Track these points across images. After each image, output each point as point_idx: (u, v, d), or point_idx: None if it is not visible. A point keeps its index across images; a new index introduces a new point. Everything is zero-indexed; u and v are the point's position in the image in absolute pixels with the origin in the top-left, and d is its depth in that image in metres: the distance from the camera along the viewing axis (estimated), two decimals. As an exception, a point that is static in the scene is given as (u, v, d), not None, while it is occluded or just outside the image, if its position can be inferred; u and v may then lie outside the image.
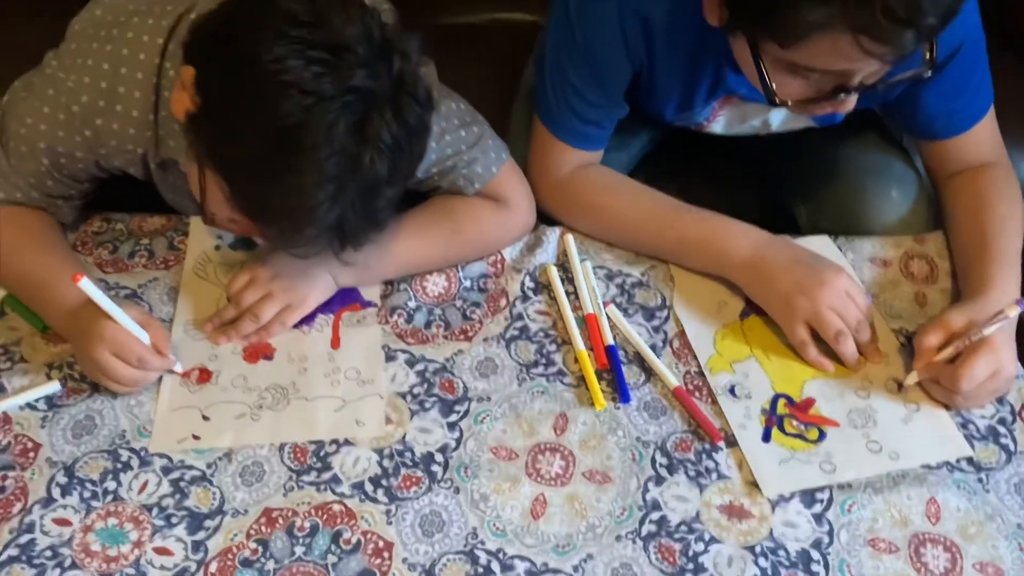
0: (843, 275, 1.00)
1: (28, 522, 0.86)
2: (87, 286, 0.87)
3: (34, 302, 0.99)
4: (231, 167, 0.85)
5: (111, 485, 0.89)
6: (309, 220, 0.84)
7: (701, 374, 1.01)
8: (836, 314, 0.98)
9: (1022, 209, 1.07)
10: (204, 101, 0.85)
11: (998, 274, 1.00)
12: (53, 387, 0.95)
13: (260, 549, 0.85)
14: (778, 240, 1.06)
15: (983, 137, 1.10)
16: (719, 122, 1.16)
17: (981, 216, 1.06)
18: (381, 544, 0.86)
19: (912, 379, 0.97)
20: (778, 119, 1.14)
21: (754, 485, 0.92)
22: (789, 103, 0.90)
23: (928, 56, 0.88)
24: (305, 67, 0.79)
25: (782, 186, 1.27)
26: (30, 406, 0.94)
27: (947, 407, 0.97)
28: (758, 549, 0.87)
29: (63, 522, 0.86)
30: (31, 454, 0.91)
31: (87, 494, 0.88)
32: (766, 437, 0.95)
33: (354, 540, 0.86)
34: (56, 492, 0.88)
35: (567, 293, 1.07)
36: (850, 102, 0.91)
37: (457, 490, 0.90)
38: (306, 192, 0.82)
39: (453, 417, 0.96)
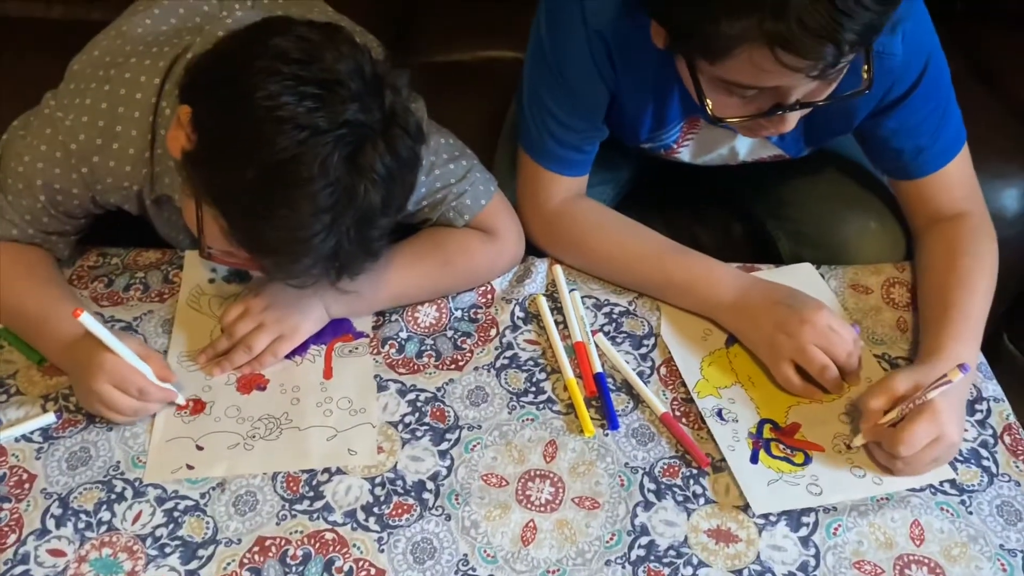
0: (823, 311, 1.00)
1: (23, 553, 0.87)
2: (88, 320, 0.89)
3: (31, 336, 1.01)
4: (228, 202, 0.87)
5: (105, 515, 0.90)
6: (306, 250, 0.86)
7: (688, 400, 1.02)
8: (820, 349, 0.99)
9: (992, 264, 1.06)
10: (200, 138, 0.87)
11: (952, 339, 0.98)
12: (48, 419, 0.97)
13: (253, 577, 0.86)
14: (760, 282, 1.07)
15: (955, 180, 1.09)
16: (687, 148, 1.18)
17: (947, 278, 1.04)
18: (373, 572, 0.87)
19: (859, 441, 0.97)
20: (745, 148, 1.17)
21: (741, 509, 0.93)
22: (726, 121, 0.91)
23: (866, 75, 0.89)
24: (298, 103, 0.82)
25: (763, 218, 1.30)
26: (25, 438, 0.96)
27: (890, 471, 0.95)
28: (746, 573, 0.89)
29: (57, 553, 0.87)
30: (26, 485, 0.92)
31: (81, 524, 0.89)
32: (754, 459, 0.97)
33: (346, 568, 0.87)
34: (51, 523, 0.89)
35: (556, 323, 1.09)
36: (790, 120, 0.91)
37: (448, 517, 0.91)
38: (302, 223, 0.84)
39: (444, 445, 0.97)
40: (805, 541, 0.91)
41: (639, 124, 1.11)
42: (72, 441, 0.95)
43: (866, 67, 0.89)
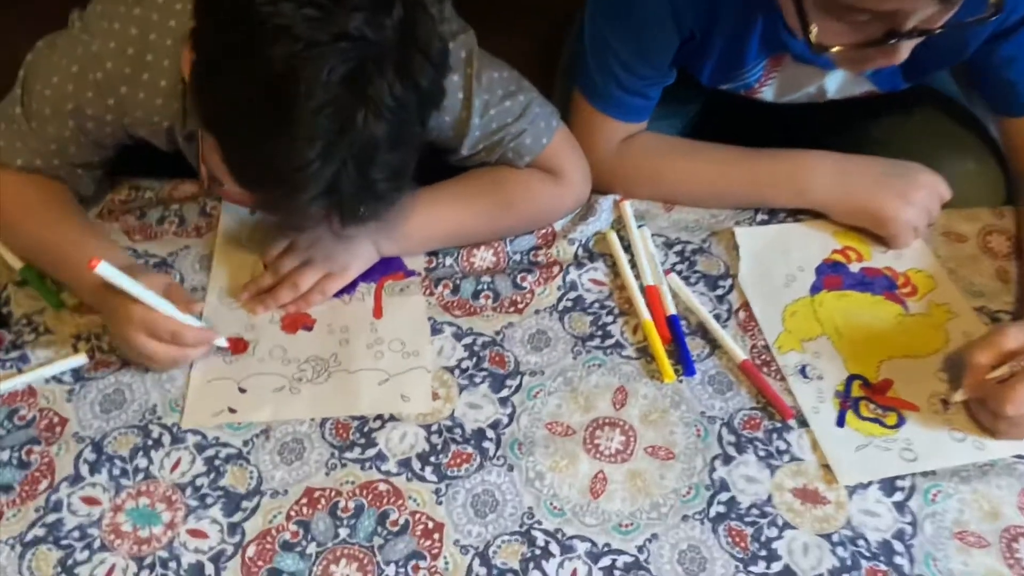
0: (932, 174, 1.00)
1: (55, 500, 0.81)
2: (106, 271, 0.80)
3: (59, 275, 0.94)
4: (222, 126, 0.79)
5: (142, 462, 0.83)
6: (300, 183, 0.75)
7: (769, 348, 0.94)
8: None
9: None
10: (199, 56, 0.79)
11: None
12: (80, 360, 0.90)
13: (301, 531, 0.80)
14: (856, 159, 1.02)
15: None
16: (770, 87, 1.09)
17: None
18: (431, 525, 0.80)
19: (959, 396, 0.88)
20: (835, 85, 1.07)
21: (829, 469, 0.85)
22: (829, 51, 0.82)
23: None
24: (297, 11, 0.72)
25: None
26: (56, 379, 0.89)
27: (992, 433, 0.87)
28: (835, 538, 0.81)
29: (92, 501, 0.81)
30: (57, 429, 0.86)
31: (116, 471, 0.83)
32: (840, 422, 0.88)
33: (401, 521, 0.80)
34: (84, 469, 0.83)
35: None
36: (903, 50, 0.82)
37: (511, 468, 0.84)
38: (295, 150, 0.74)
39: (505, 392, 0.90)
40: (900, 507, 0.83)
41: (718, 65, 1.02)
42: (105, 383, 0.89)
43: None
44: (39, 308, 0.95)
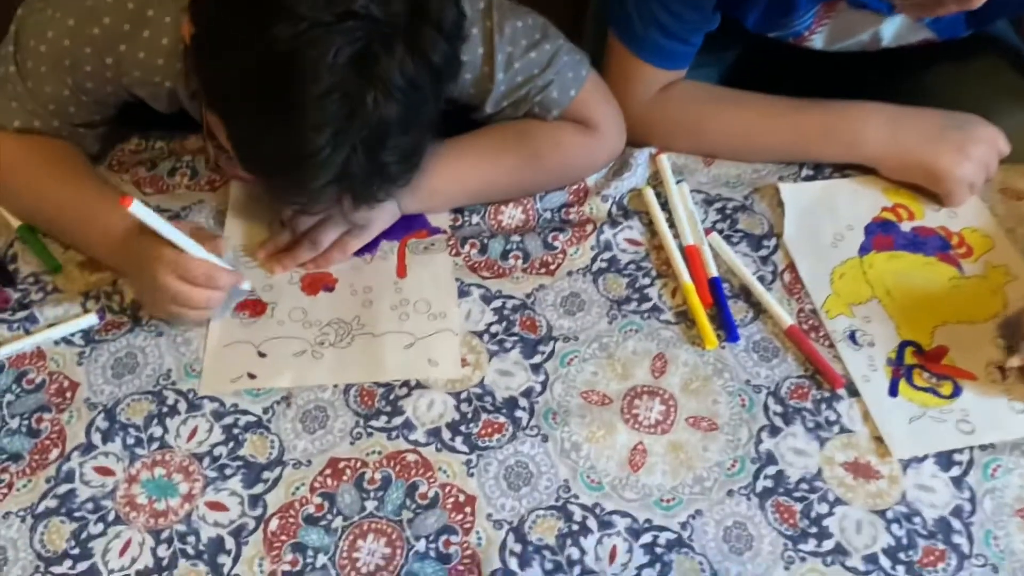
0: (991, 127, 0.95)
1: (67, 470, 0.77)
2: (139, 210, 0.76)
3: (73, 237, 0.89)
4: (225, 108, 0.74)
5: (157, 431, 0.79)
6: (309, 171, 0.72)
7: (816, 312, 0.89)
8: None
9: None
10: (197, 28, 0.74)
11: None
12: (90, 320, 0.85)
13: (326, 504, 0.75)
14: (911, 111, 0.97)
15: None
16: (820, 35, 1.02)
17: None
18: (462, 498, 0.76)
19: (1015, 361, 0.83)
20: (891, 32, 1.00)
21: (881, 441, 0.80)
22: None
23: None
24: None
25: None
26: (66, 341, 0.85)
27: None
28: (890, 514, 0.76)
29: (105, 471, 0.77)
30: (68, 394, 0.81)
31: (131, 440, 0.78)
32: (893, 391, 0.83)
33: (431, 494, 0.76)
34: (96, 438, 0.79)
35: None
36: None
37: (545, 438, 0.79)
38: (303, 137, 0.70)
39: (537, 358, 0.85)
40: (958, 482, 0.78)
41: (766, 11, 0.96)
42: (117, 346, 0.84)
43: None
44: (46, 266, 0.90)
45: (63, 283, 0.89)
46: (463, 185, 0.92)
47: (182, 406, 0.81)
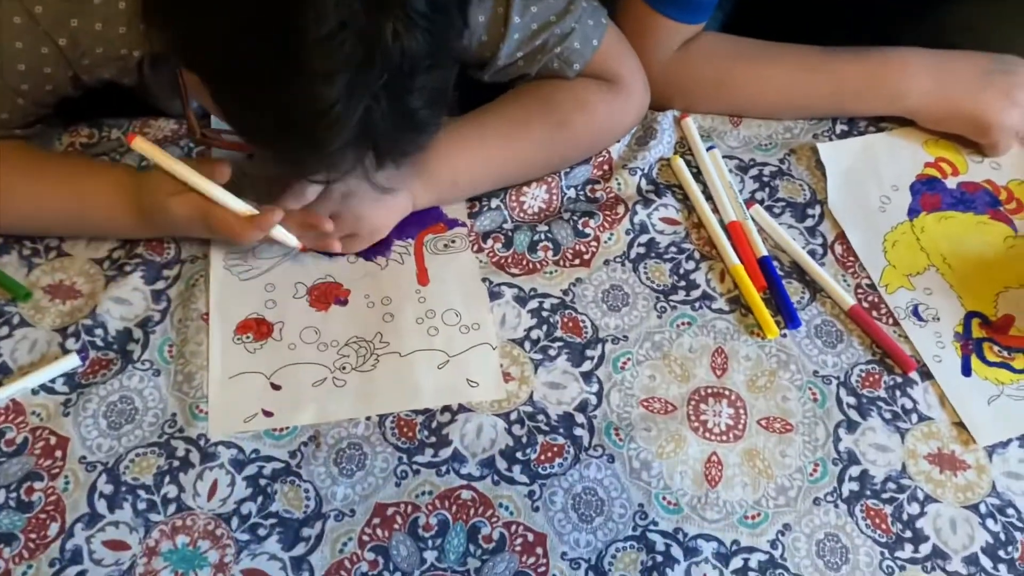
0: None
1: (72, 548, 0.66)
2: (142, 145, 0.69)
3: (82, 220, 0.78)
4: (209, 66, 0.62)
5: (171, 490, 0.69)
6: (322, 132, 0.59)
7: (875, 287, 0.82)
8: None
9: None
10: None
11: None
12: (71, 361, 0.74)
13: (380, 559, 0.67)
14: (954, 55, 0.90)
15: None
16: None
17: None
18: (531, 537, 0.68)
19: None
20: None
21: (963, 427, 0.75)
22: None
23: None
24: None
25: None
26: (46, 389, 0.73)
27: None
28: (983, 508, 0.71)
29: (118, 545, 0.67)
30: (57, 453, 0.70)
31: (142, 504, 0.68)
32: (966, 370, 0.78)
33: (496, 536, 0.68)
34: (101, 505, 0.68)
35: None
36: None
37: (612, 458, 0.72)
38: (312, 91, 0.57)
39: (587, 365, 0.76)
40: (1046, 464, 0.73)
41: None
42: (108, 389, 0.73)
43: None
44: (9, 296, 0.77)
45: (32, 315, 0.76)
46: (487, 169, 0.82)
47: (195, 456, 0.70)
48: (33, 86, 0.75)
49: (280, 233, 0.75)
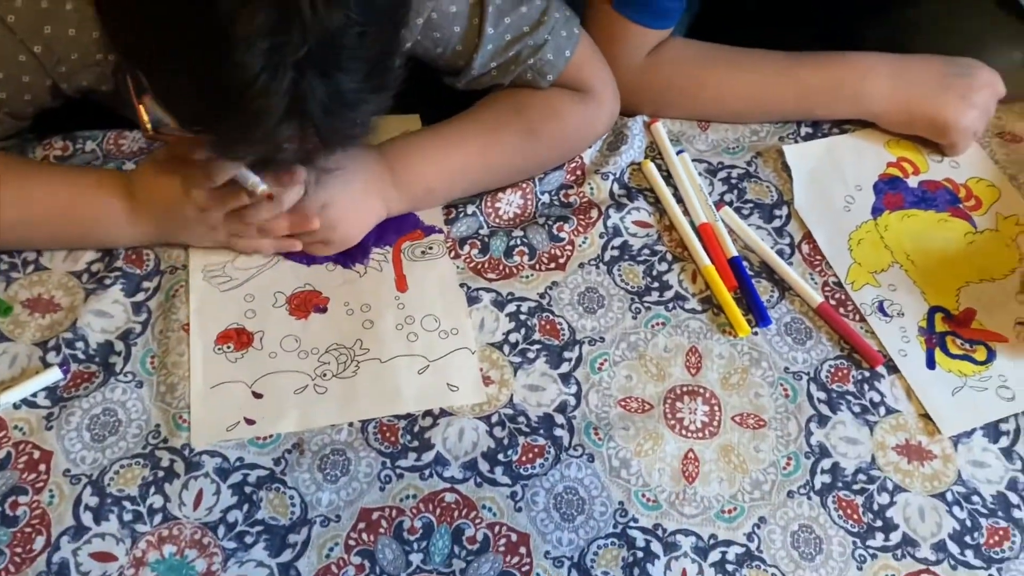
0: (991, 72, 0.92)
1: (59, 561, 0.66)
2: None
3: (79, 231, 0.79)
4: (138, 52, 0.62)
5: (156, 500, 0.69)
6: (251, 105, 0.58)
7: (841, 284, 0.85)
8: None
9: None
10: None
11: None
12: (53, 375, 0.74)
13: (367, 563, 0.68)
14: (913, 60, 0.93)
15: None
16: None
17: None
18: (514, 537, 0.70)
19: None
20: None
21: (928, 419, 0.77)
22: None
23: None
24: None
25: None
26: (27, 403, 0.73)
27: None
28: (949, 496, 0.74)
29: (106, 556, 0.67)
30: (41, 467, 0.70)
31: (128, 516, 0.68)
32: (930, 363, 0.80)
33: (480, 537, 0.69)
34: (87, 517, 0.68)
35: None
36: None
37: (591, 457, 0.74)
38: (234, 61, 0.56)
39: (565, 367, 0.78)
40: (1008, 453, 0.77)
41: None
42: (90, 402, 0.73)
43: None
44: (-14, 314, 0.77)
45: (11, 330, 0.76)
46: (462, 175, 0.83)
47: (179, 467, 0.71)
48: (11, 95, 0.75)
49: (248, 176, 0.74)
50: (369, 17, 0.58)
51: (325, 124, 0.62)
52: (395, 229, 0.84)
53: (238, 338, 0.77)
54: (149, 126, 0.70)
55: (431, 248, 0.83)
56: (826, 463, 0.75)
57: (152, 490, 0.70)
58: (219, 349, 0.77)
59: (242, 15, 0.54)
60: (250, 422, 0.73)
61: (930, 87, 0.91)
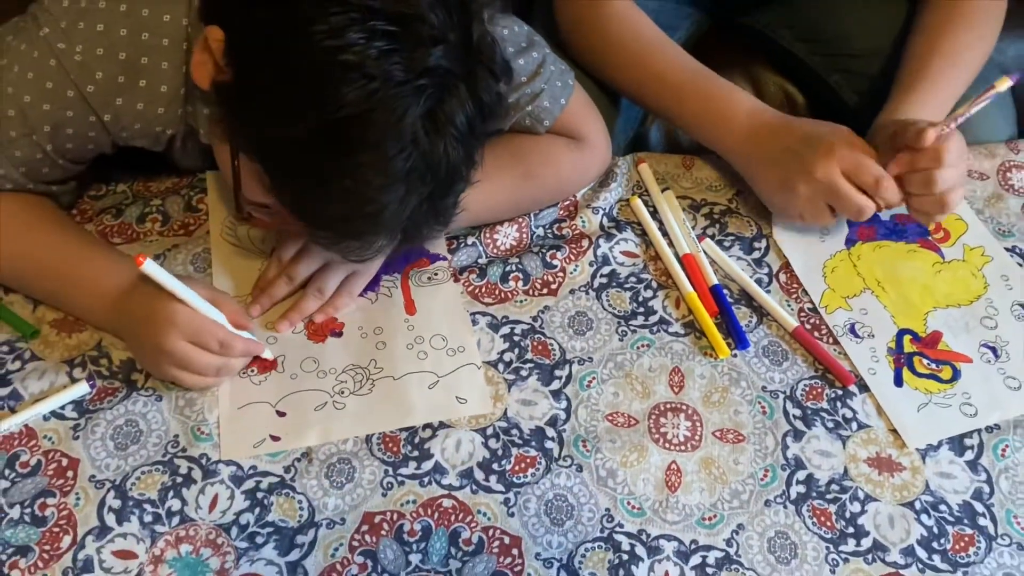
0: (832, 159, 0.87)
1: (84, 559, 0.71)
2: (151, 268, 0.72)
3: (60, 298, 0.83)
4: (273, 157, 0.70)
5: (175, 504, 0.75)
6: (373, 227, 0.70)
7: (816, 310, 0.90)
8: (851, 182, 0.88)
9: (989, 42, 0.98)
10: (239, 73, 0.69)
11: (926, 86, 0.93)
12: (81, 389, 0.80)
13: (369, 563, 0.73)
14: (779, 120, 0.93)
15: None
16: None
17: (939, 42, 0.96)
18: (507, 540, 0.74)
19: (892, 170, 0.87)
20: None
21: (897, 433, 0.83)
22: None
23: None
24: (368, 43, 0.63)
25: (817, 65, 1.14)
26: (56, 415, 0.79)
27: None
28: (918, 505, 0.79)
29: (127, 554, 0.72)
30: (69, 473, 0.76)
31: (148, 517, 0.74)
32: (898, 381, 0.86)
33: (475, 539, 0.74)
34: (110, 518, 0.73)
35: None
36: None
37: (580, 467, 0.79)
38: (371, 197, 0.67)
39: (556, 384, 0.84)
40: (973, 466, 0.81)
41: None
42: (114, 414, 0.79)
43: None
44: (20, 334, 0.83)
45: (41, 350, 0.82)
46: (464, 215, 0.89)
47: (197, 473, 0.76)
48: (77, 148, 0.82)
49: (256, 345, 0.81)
50: (474, 151, 0.71)
51: (414, 236, 0.73)
52: (403, 258, 0.91)
53: (261, 364, 0.83)
54: (246, 209, 0.77)
55: (436, 274, 0.90)
56: (801, 474, 0.80)
57: (171, 494, 0.75)
58: (244, 373, 0.82)
59: (392, 164, 0.65)
60: (275, 439, 0.79)
61: (767, 156, 0.92)
